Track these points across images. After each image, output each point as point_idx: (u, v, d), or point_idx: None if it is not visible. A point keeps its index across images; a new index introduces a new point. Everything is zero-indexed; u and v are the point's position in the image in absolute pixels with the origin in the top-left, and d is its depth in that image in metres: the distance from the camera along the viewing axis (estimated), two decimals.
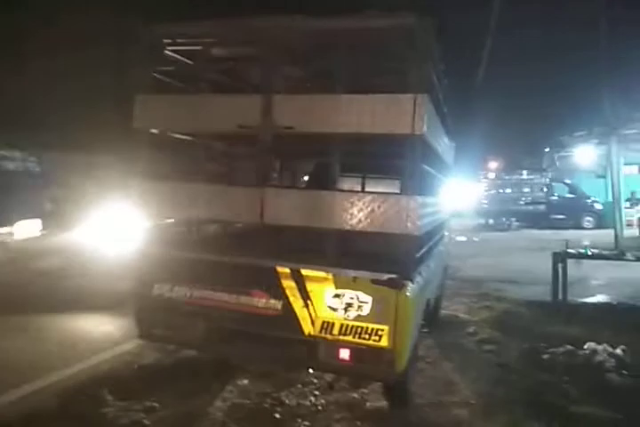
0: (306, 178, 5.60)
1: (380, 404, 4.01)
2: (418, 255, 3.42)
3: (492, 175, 25.16)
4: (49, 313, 5.80)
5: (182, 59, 3.82)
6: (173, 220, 3.79)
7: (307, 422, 3.72)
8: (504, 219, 21.10)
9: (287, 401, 4.01)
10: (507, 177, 23.18)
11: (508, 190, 22.11)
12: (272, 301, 3.36)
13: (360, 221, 3.19)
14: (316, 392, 4.16)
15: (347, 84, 3.29)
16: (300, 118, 3.29)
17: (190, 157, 3.72)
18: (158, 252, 3.65)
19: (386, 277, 3.16)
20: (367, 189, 4.76)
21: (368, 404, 4.04)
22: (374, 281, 3.19)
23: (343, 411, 3.92)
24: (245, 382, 4.25)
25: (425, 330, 5.78)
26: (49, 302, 6.22)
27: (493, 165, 28.77)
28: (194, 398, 3.95)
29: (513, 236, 18.35)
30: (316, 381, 4.29)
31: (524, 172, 22.77)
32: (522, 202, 21.34)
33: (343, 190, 3.37)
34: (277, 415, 3.81)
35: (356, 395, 4.15)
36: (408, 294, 3.20)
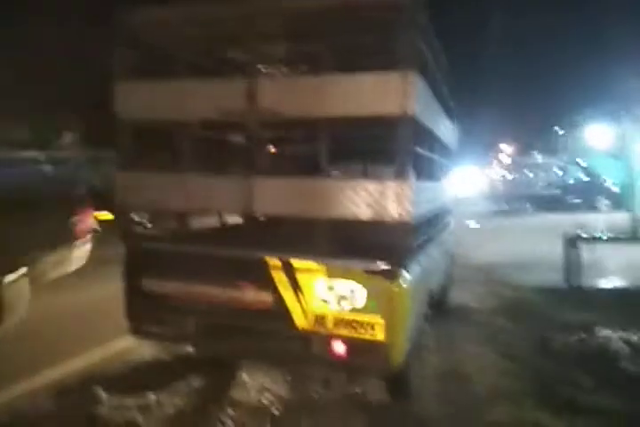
0: (295, 165, 5.44)
1: (382, 397, 3.88)
2: (414, 243, 3.25)
3: (504, 159, 24.78)
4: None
5: (163, 43, 3.66)
6: (160, 212, 3.66)
7: (307, 418, 3.61)
8: (518, 203, 20.75)
9: (287, 397, 3.90)
10: (520, 160, 22.77)
11: (522, 174, 21.70)
12: (262, 294, 3.23)
13: (352, 208, 3.02)
14: (317, 387, 4.04)
15: (335, 65, 3.11)
16: (287, 102, 3.12)
17: (174, 146, 3.58)
18: (146, 245, 3.54)
19: (380, 266, 3.00)
20: (360, 175, 4.58)
21: (370, 397, 3.91)
22: (368, 271, 3.03)
23: (344, 405, 3.80)
24: (244, 377, 4.14)
25: (432, 320, 5.69)
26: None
27: (506, 148, 28.36)
28: (190, 395, 3.86)
29: (527, 220, 18.00)
30: (316, 375, 4.17)
31: (538, 154, 22.34)
32: (536, 186, 20.94)
33: (334, 177, 3.20)
34: (277, 412, 3.70)
35: (357, 389, 4.02)
36: (404, 284, 3.04)
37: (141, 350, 4.55)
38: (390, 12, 2.91)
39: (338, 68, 3.11)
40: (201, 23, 3.35)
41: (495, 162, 24.31)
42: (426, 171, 3.76)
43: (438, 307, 5.82)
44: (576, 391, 4.04)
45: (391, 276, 2.99)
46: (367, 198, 2.97)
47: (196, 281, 3.37)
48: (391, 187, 2.93)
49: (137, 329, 3.62)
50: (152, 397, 3.77)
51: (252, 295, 3.25)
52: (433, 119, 3.70)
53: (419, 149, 3.30)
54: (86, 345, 4.65)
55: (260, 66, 3.26)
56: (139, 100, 3.47)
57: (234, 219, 3.68)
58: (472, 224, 15.87)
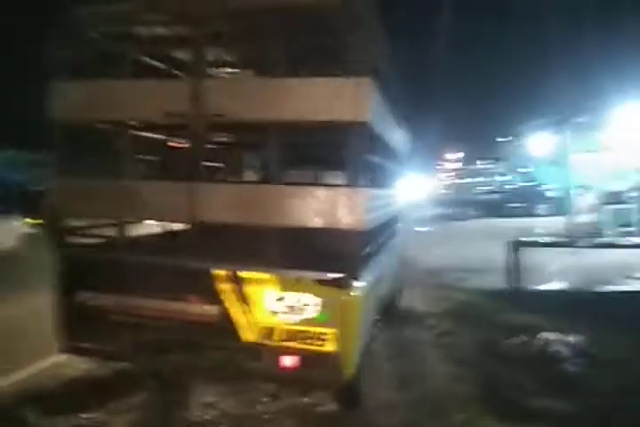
0: (244, 171, 5.29)
1: (331, 408, 3.79)
2: (366, 251, 3.19)
3: (450, 166, 25.51)
4: None
5: (105, 41, 3.43)
6: (97, 219, 3.42)
7: None
8: (462, 208, 21.38)
9: (232, 411, 3.74)
10: (465, 167, 23.51)
11: (466, 180, 22.43)
12: (207, 307, 3.07)
13: (303, 216, 2.93)
14: (264, 399, 3.90)
15: (284, 68, 3.00)
16: (233, 105, 2.99)
17: (115, 150, 3.35)
18: (80, 255, 3.29)
19: (331, 276, 2.92)
20: (311, 182, 4.49)
21: (319, 408, 3.82)
22: (319, 281, 2.94)
23: (293, 417, 3.69)
24: (186, 392, 3.95)
25: (381, 325, 5.68)
26: None
27: (452, 155, 29.20)
28: (127, 414, 3.64)
29: (471, 225, 18.56)
30: (263, 387, 4.03)
31: (481, 162, 23.14)
32: (479, 191, 21.67)
33: (284, 184, 3.09)
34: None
35: (306, 400, 3.92)
36: (356, 293, 2.97)
37: (76, 365, 4.25)
38: (343, 13, 2.84)
39: (290, 73, 3.01)
40: (145, 22, 3.17)
41: (441, 169, 24.98)
42: (378, 178, 3.72)
43: (388, 312, 5.84)
44: (522, 395, 4.11)
45: (343, 285, 2.92)
46: (319, 206, 2.89)
47: (135, 294, 3.17)
48: (344, 194, 2.86)
49: (69, 346, 3.35)
50: (84, 416, 3.52)
51: (197, 308, 3.08)
52: (386, 126, 3.67)
53: (372, 156, 3.25)
54: (15, 361, 4.31)
55: (206, 67, 3.09)
56: (76, 100, 3.22)
57: (178, 227, 3.48)
58: (419, 229, 16.17)
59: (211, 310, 3.07)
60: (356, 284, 2.98)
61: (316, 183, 3.95)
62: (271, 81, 2.99)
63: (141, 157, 3.36)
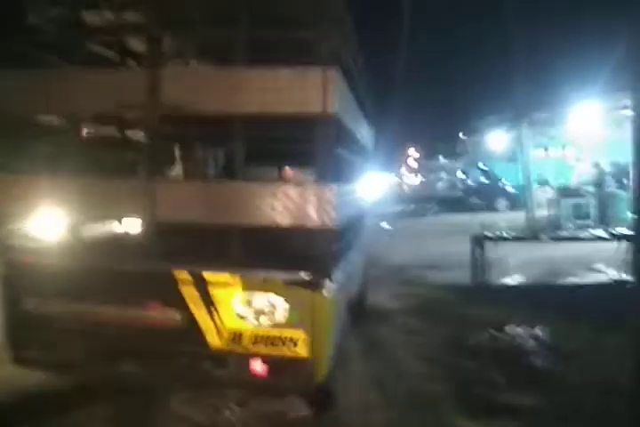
0: (205, 167, 5.08)
1: (303, 412, 3.66)
2: (336, 250, 3.07)
3: (411, 162, 25.74)
4: None
5: (52, 27, 3.17)
6: (44, 220, 3.16)
7: None
8: (424, 204, 21.63)
9: (197, 419, 3.55)
10: (425, 163, 23.77)
11: (427, 176, 22.66)
12: (170, 311, 2.88)
13: (269, 214, 2.78)
14: (232, 405, 3.73)
15: (247, 57, 2.84)
16: (192, 96, 2.81)
17: (62, 145, 3.11)
18: (27, 259, 3.04)
19: (300, 276, 2.78)
20: (277, 178, 4.34)
21: (290, 413, 3.68)
22: (287, 282, 2.80)
23: (263, 423, 3.54)
24: (148, 402, 3.73)
25: (350, 324, 5.59)
26: None
27: (412, 151, 29.49)
28: None
29: (433, 220, 18.79)
30: (232, 393, 3.86)
31: (441, 157, 23.45)
32: (440, 187, 21.96)
33: (248, 180, 2.93)
34: None
35: (276, 404, 3.77)
36: (326, 294, 2.84)
37: (28, 377, 3.96)
38: (308, 4, 2.71)
39: (255, 63, 2.85)
40: (94, 6, 2.94)
41: (403, 165, 25.19)
42: (346, 172, 3.61)
43: (357, 311, 5.75)
44: (492, 391, 4.11)
45: (313, 286, 2.79)
46: (286, 203, 2.75)
47: (89, 300, 2.94)
48: (312, 190, 2.73)
49: (18, 357, 3.10)
50: None
51: (158, 314, 2.89)
52: (352, 119, 3.56)
53: (339, 151, 3.13)
54: None
55: (162, 56, 2.89)
56: (18, 91, 2.96)
57: (135, 228, 3.26)
58: (384, 225, 16.23)
59: (173, 314, 2.88)
60: (327, 284, 2.85)
61: (282, 179, 3.78)
62: (232, 71, 2.83)
63: (93, 152, 3.11)
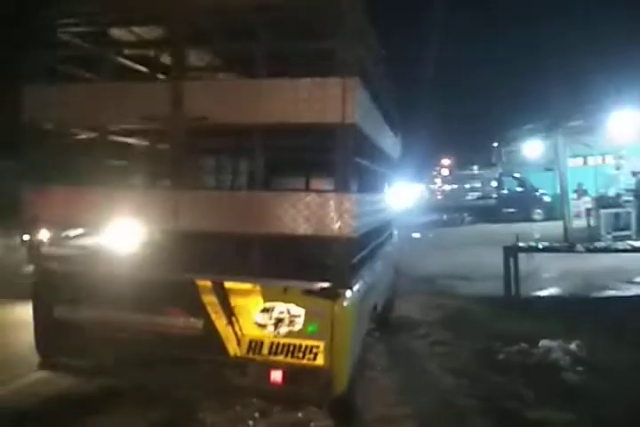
0: (228, 177, 5.15)
1: (326, 423, 3.63)
2: (356, 260, 3.05)
3: (445, 171, 25.42)
4: None
5: (80, 42, 3.30)
6: (75, 230, 3.27)
7: None
8: (457, 214, 21.29)
9: None
10: (459, 173, 23.43)
11: (460, 186, 22.31)
12: (192, 319, 2.92)
13: (288, 223, 2.80)
14: (256, 415, 3.74)
15: (269, 69, 2.88)
16: (216, 107, 2.87)
17: (92, 157, 3.21)
18: (59, 267, 3.14)
19: (319, 286, 2.78)
20: (297, 188, 4.35)
21: (312, 424, 3.66)
22: (306, 292, 2.80)
23: None
24: (174, 408, 3.77)
25: (375, 334, 5.52)
26: None
27: (446, 161, 29.15)
28: None
29: (466, 231, 18.47)
30: (255, 402, 3.87)
31: (475, 167, 23.06)
32: (473, 197, 21.58)
33: (269, 190, 2.96)
34: None
35: (299, 414, 3.76)
36: (345, 304, 2.83)
37: (58, 381, 4.07)
38: (329, 11, 2.73)
39: (276, 74, 2.89)
40: (121, 21, 3.05)
41: (436, 175, 24.89)
42: (368, 182, 3.60)
43: (382, 321, 5.69)
44: (521, 406, 3.98)
45: (332, 295, 2.78)
46: (306, 212, 2.76)
47: (117, 307, 3.01)
48: (331, 199, 2.73)
49: (48, 362, 3.19)
50: None
51: (181, 321, 2.93)
52: (375, 129, 3.55)
53: (360, 160, 3.12)
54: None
55: (187, 69, 2.97)
56: (51, 105, 3.09)
57: (160, 237, 3.33)
58: (415, 235, 16.06)
59: (196, 322, 2.93)
60: (345, 293, 2.84)
61: (303, 189, 3.79)
62: (254, 82, 2.87)
63: (120, 163, 3.21)
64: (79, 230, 3.17)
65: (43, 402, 3.87)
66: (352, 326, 2.92)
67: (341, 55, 2.74)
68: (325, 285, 2.78)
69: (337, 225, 2.73)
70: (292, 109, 2.77)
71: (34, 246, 3.16)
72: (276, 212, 2.80)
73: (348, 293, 2.87)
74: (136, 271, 3.03)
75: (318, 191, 2.83)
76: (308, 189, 4.30)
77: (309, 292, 2.80)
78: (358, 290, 3.14)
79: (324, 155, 2.88)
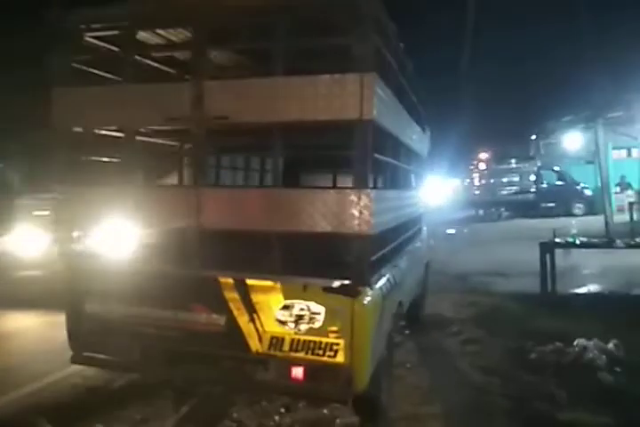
0: (248, 175, 5.18)
1: (351, 420, 3.63)
2: (376, 257, 3.03)
3: (482, 166, 24.87)
4: None
5: (104, 45, 3.38)
6: (102, 228, 3.36)
7: None
8: (494, 209, 20.82)
9: (248, 422, 3.62)
10: (496, 167, 22.87)
11: (497, 180, 21.76)
12: (214, 316, 2.97)
13: (307, 221, 2.80)
14: (281, 410, 3.77)
15: (287, 67, 2.88)
16: (235, 107, 2.89)
17: (116, 157, 3.30)
18: (88, 265, 3.24)
19: (338, 283, 2.77)
20: (317, 185, 4.34)
21: (338, 420, 3.67)
22: (326, 289, 2.80)
23: None
24: (202, 402, 3.85)
25: (405, 332, 5.47)
26: None
27: (483, 155, 28.54)
28: (143, 425, 3.56)
29: (503, 226, 18.06)
30: (280, 397, 3.90)
31: (513, 160, 22.47)
32: (511, 191, 21.02)
33: (288, 187, 2.97)
34: None
35: (325, 411, 3.77)
36: (365, 301, 2.81)
37: (92, 374, 4.23)
38: (345, 5, 2.71)
39: (294, 72, 2.89)
40: (142, 23, 3.10)
41: (473, 169, 24.33)
42: (390, 179, 3.56)
43: (412, 318, 5.63)
44: (552, 407, 3.87)
45: (351, 293, 2.76)
46: (323, 209, 2.75)
47: (143, 303, 3.10)
48: (349, 196, 2.72)
49: (80, 356, 3.31)
50: None
51: (204, 318, 2.98)
52: (397, 124, 3.51)
53: (380, 156, 3.09)
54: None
55: (206, 68, 3.00)
56: (77, 107, 3.19)
57: (182, 235, 3.40)
58: (449, 231, 15.81)
59: (217, 319, 2.97)
60: (365, 291, 2.82)
61: (320, 186, 3.77)
62: (273, 80, 2.88)
63: (144, 163, 3.29)
64: (107, 228, 3.25)
65: (78, 394, 4.03)
66: (372, 323, 2.90)
67: (358, 51, 2.71)
68: (345, 282, 2.77)
69: (355, 222, 2.71)
70: (310, 107, 2.76)
71: (65, 244, 3.27)
72: (294, 209, 2.81)
73: (368, 290, 2.85)
74: (161, 268, 3.10)
75: (336, 188, 2.81)
76: (329, 186, 4.28)
77: (329, 289, 2.80)
78: (380, 287, 3.12)
79: (345, 152, 2.86)
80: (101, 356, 3.22)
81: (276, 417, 3.69)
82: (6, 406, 3.79)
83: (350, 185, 2.81)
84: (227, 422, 3.61)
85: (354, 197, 2.70)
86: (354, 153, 2.77)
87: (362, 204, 2.69)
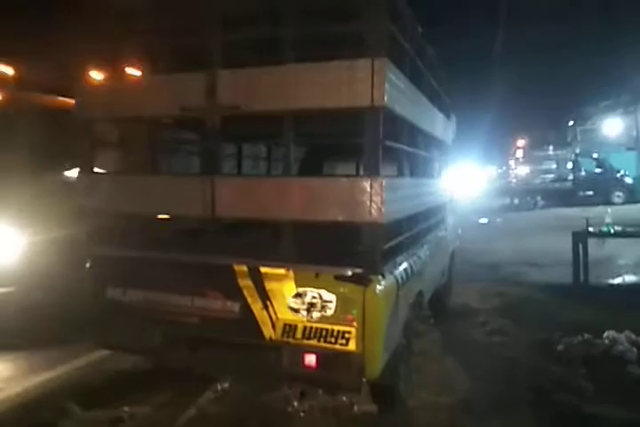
0: (259, 164, 5.19)
1: (370, 407, 3.64)
2: (390, 245, 3.00)
3: (519, 153, 24.24)
4: None
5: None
6: (122, 216, 3.45)
7: None
8: (529, 198, 20.30)
9: (267, 410, 3.67)
10: (532, 154, 22.25)
11: (534, 168, 21.16)
12: (229, 303, 3.01)
13: (319, 209, 2.80)
14: (300, 396, 3.81)
15: (299, 54, 2.86)
16: (248, 96, 2.90)
17: (131, 146, 3.37)
18: (108, 252, 3.34)
19: (350, 272, 2.76)
20: (330, 173, 4.32)
21: (356, 407, 3.68)
22: (337, 277, 2.80)
23: (329, 416, 3.59)
24: (226, 386, 3.93)
25: (430, 321, 5.43)
26: None
27: (521, 142, 27.83)
28: (168, 407, 3.65)
29: (538, 215, 17.60)
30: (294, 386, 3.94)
31: (550, 147, 21.79)
32: (547, 179, 20.42)
33: (300, 176, 2.96)
34: (258, 423, 3.49)
35: (344, 398, 3.79)
36: (377, 290, 2.79)
37: (119, 358, 4.36)
38: None
39: (305, 59, 2.86)
40: (154, 12, 3.13)
41: (510, 157, 23.69)
42: (406, 166, 3.50)
43: (437, 308, 5.57)
44: (578, 399, 3.77)
45: (363, 281, 2.75)
46: (335, 197, 2.74)
47: (161, 290, 3.17)
48: (360, 184, 2.69)
49: (101, 340, 3.42)
50: (126, 409, 3.58)
51: (219, 304, 3.03)
52: (414, 111, 3.44)
53: (394, 143, 3.04)
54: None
55: (218, 56, 3.01)
56: (98, 97, 3.26)
57: (197, 223, 3.46)
58: (482, 220, 15.52)
59: (232, 306, 3.01)
60: (377, 280, 2.80)
61: (332, 174, 3.75)
62: (284, 68, 2.86)
63: (159, 152, 3.34)
64: (124, 216, 3.34)
65: (105, 378, 4.17)
66: (385, 312, 2.88)
67: (369, 35, 2.67)
68: (356, 270, 2.76)
69: (367, 210, 2.68)
70: (321, 94, 2.74)
71: (86, 231, 3.37)
72: (306, 197, 2.80)
73: (381, 279, 2.83)
74: (177, 255, 3.16)
75: (347, 176, 2.79)
76: (336, 174, 4.25)
77: (340, 277, 2.79)
78: (395, 276, 3.09)
79: (356, 139, 2.83)
80: (122, 340, 3.31)
81: (295, 403, 3.74)
82: (34, 389, 3.95)
83: (358, 173, 2.78)
84: (248, 406, 3.68)
85: (365, 185, 2.67)
86: (365, 140, 2.74)
87: (373, 192, 2.66)
